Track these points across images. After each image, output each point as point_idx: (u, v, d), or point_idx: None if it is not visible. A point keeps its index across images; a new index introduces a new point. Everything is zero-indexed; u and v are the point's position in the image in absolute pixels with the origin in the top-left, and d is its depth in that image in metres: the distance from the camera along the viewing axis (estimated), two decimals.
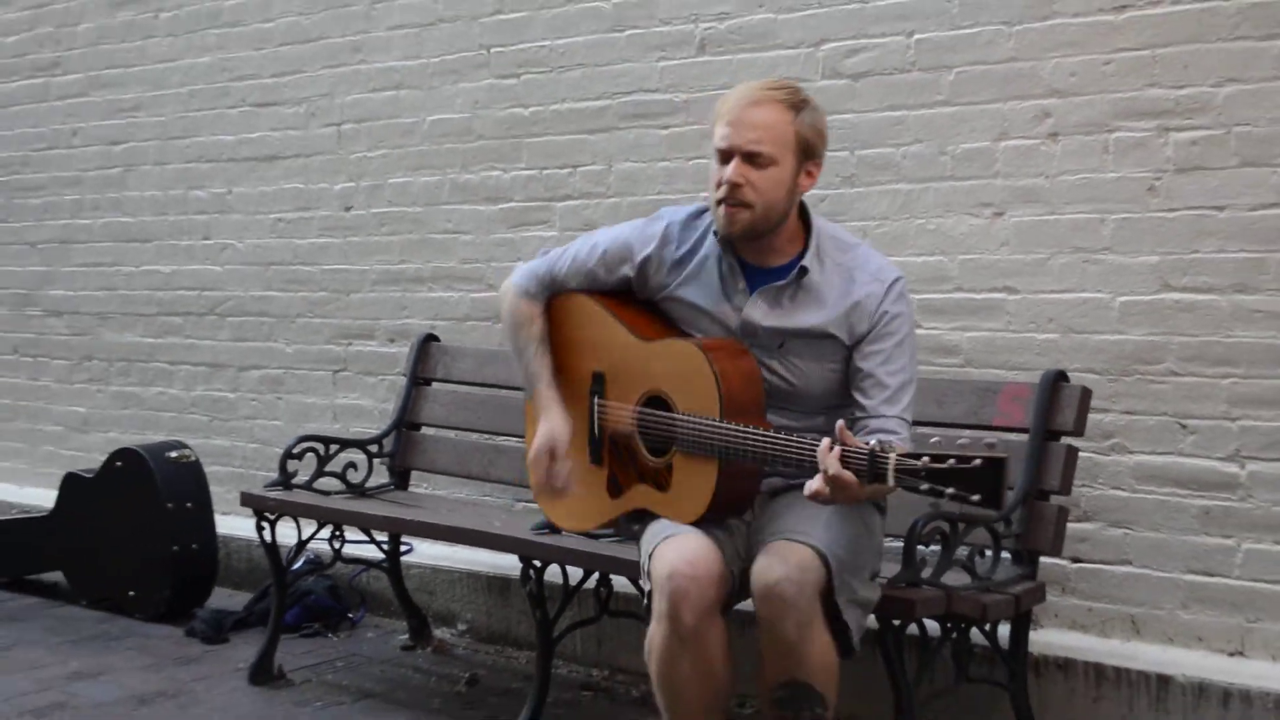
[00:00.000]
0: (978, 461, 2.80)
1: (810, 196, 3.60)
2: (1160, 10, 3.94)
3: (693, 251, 3.55)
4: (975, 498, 2.81)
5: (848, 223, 4.33)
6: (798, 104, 3.40)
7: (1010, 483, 3.02)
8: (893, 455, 2.89)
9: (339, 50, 5.82)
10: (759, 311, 3.45)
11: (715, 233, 3.48)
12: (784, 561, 3.15)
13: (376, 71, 5.71)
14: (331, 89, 5.86)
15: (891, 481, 2.89)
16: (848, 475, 2.94)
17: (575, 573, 4.24)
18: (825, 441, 3.00)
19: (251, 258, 6.19)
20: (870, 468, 2.91)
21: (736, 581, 3.33)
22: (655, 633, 3.27)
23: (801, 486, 3.17)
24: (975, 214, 4.28)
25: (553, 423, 3.62)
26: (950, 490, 2.83)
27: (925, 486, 2.86)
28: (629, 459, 3.59)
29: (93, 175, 6.79)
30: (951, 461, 2.82)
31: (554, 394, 3.68)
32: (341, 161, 5.85)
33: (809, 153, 3.41)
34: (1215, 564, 3.92)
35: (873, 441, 2.97)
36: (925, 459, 2.85)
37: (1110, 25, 4.02)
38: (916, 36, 4.36)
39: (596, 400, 3.65)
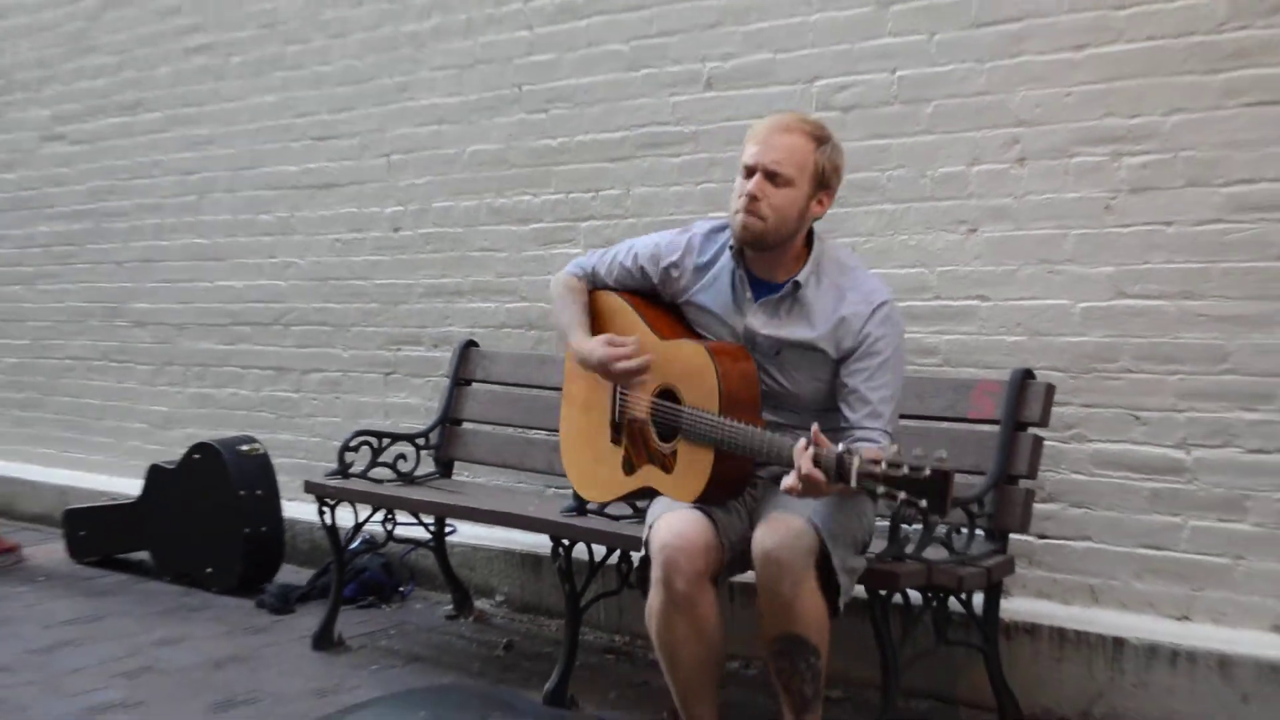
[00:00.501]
0: (928, 472, 2.83)
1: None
2: (1115, 48, 3.94)
3: (711, 262, 3.58)
4: (923, 503, 2.85)
5: (838, 236, 4.30)
6: (821, 139, 3.44)
7: (947, 504, 2.96)
8: (856, 459, 2.91)
9: (388, 90, 5.82)
10: (759, 320, 3.48)
11: (731, 246, 3.50)
12: (780, 530, 3.21)
13: (422, 108, 5.71)
14: (382, 124, 5.86)
15: (854, 483, 2.90)
16: (817, 473, 2.96)
17: (599, 550, 4.26)
18: (801, 442, 3.02)
19: (312, 274, 6.19)
20: (836, 469, 2.93)
21: (731, 554, 3.37)
22: (653, 598, 3.34)
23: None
24: (951, 230, 4.27)
25: (593, 344, 3.60)
26: (903, 495, 2.85)
27: (881, 489, 2.88)
28: (642, 442, 3.62)
29: (171, 202, 6.80)
30: (906, 470, 2.85)
31: (586, 332, 3.69)
32: (391, 188, 5.85)
33: (823, 183, 3.44)
34: (1164, 539, 3.93)
35: (841, 447, 2.98)
36: (884, 465, 2.87)
37: (1070, 62, 4.02)
38: (899, 73, 4.36)
39: (618, 388, 3.66)
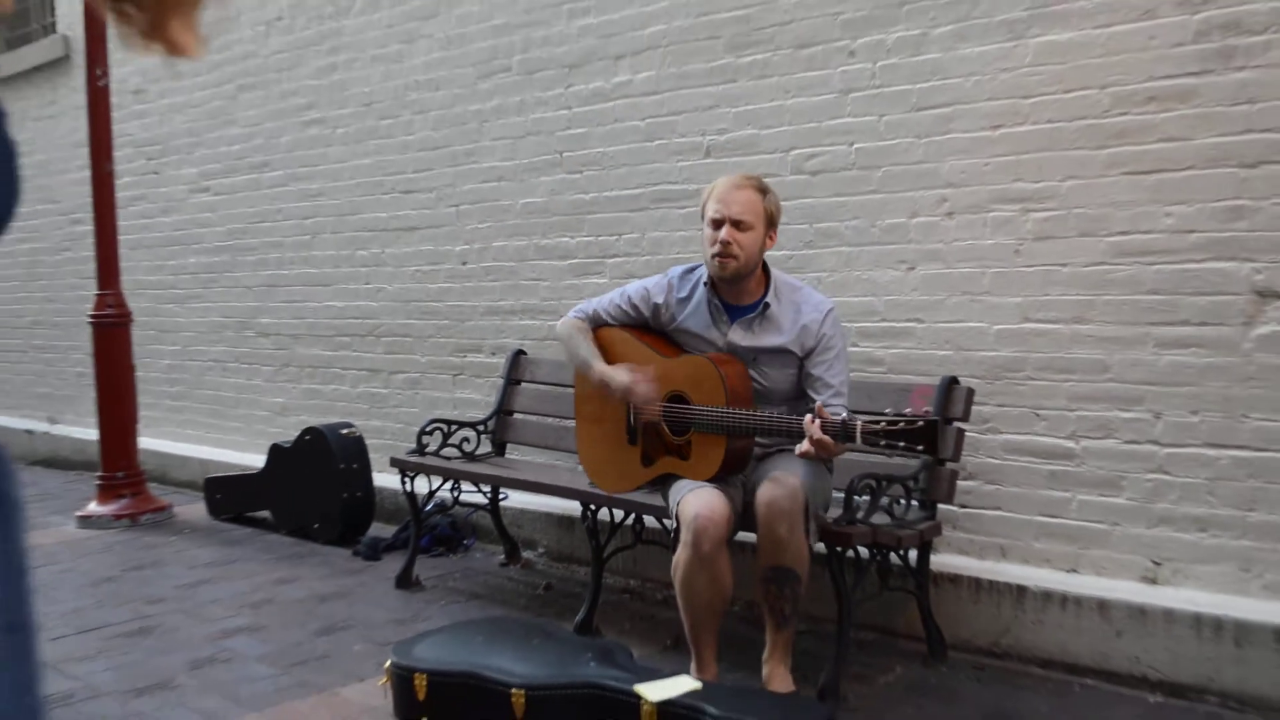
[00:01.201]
0: (920, 422, 2.97)
1: (780, 256, 3.74)
2: (1023, 129, 3.94)
3: (689, 296, 3.68)
4: (920, 448, 2.97)
5: (807, 274, 4.36)
6: (765, 190, 3.58)
7: (938, 445, 3.11)
8: (858, 423, 3.04)
9: (458, 154, 5.84)
10: (738, 335, 3.58)
11: (705, 282, 3.61)
12: (781, 486, 3.31)
13: (484, 169, 5.72)
14: (453, 181, 5.87)
15: (859, 440, 3.05)
16: (827, 438, 3.08)
17: (618, 513, 4.26)
18: (808, 417, 3.14)
19: (397, 296, 6.20)
20: (843, 432, 3.07)
21: (737, 520, 3.44)
22: (681, 556, 3.37)
23: (780, 452, 3.45)
24: (895, 268, 4.27)
25: (621, 374, 3.59)
26: (902, 444, 2.98)
27: (884, 442, 3.01)
28: (656, 439, 3.64)
29: (290, 240, 6.84)
30: (901, 423, 2.98)
31: (604, 363, 3.67)
32: (459, 231, 5.86)
33: (772, 222, 3.60)
34: (1057, 509, 3.93)
35: (843, 414, 3.15)
36: (883, 423, 3.00)
37: (989, 139, 4.02)
38: (855, 146, 4.35)
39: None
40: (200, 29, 0.99)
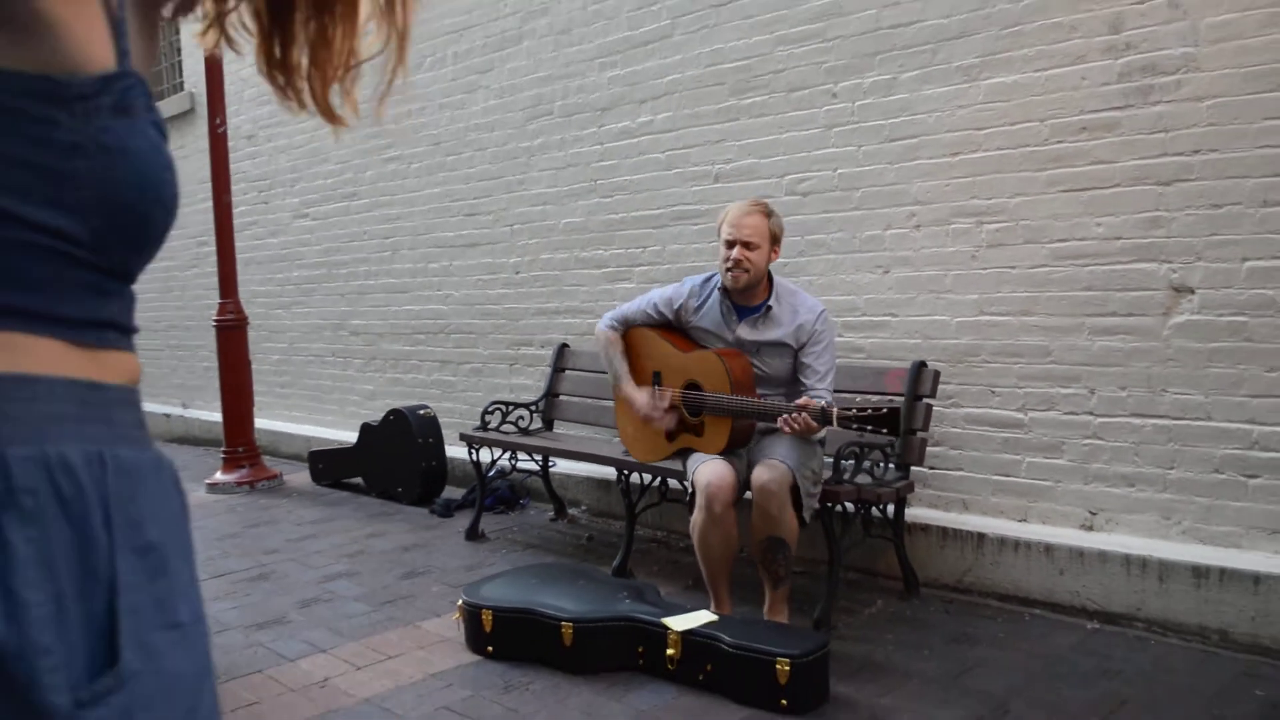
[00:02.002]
0: (884, 410, 3.06)
1: (778, 264, 3.70)
2: (977, 155, 3.93)
3: (706, 299, 3.69)
4: (885, 431, 3.09)
5: (801, 278, 4.35)
6: (769, 213, 3.59)
7: (900, 428, 3.22)
8: (835, 410, 3.13)
9: (511, 183, 5.85)
10: (745, 331, 3.60)
11: (719, 288, 3.63)
12: (770, 471, 3.32)
13: (532, 195, 5.73)
14: (507, 205, 5.88)
15: (835, 424, 3.14)
16: (810, 421, 3.15)
17: (647, 477, 4.26)
18: (795, 404, 3.21)
19: (464, 301, 6.22)
20: (822, 417, 3.13)
21: (741, 486, 3.45)
22: (696, 517, 3.42)
23: (778, 432, 3.45)
24: (873, 272, 4.26)
25: (641, 396, 3.70)
26: (870, 427, 3.09)
27: (855, 426, 3.12)
28: (678, 420, 3.66)
29: (374, 255, 6.86)
30: (870, 411, 3.07)
31: (631, 382, 3.77)
32: (513, 246, 5.87)
33: (776, 240, 3.61)
34: (1009, 469, 3.92)
35: (822, 402, 3.21)
36: (854, 410, 3.10)
37: (949, 164, 4.01)
38: (838, 171, 4.34)
39: (657, 387, 3.73)
40: (354, 103, 1.02)
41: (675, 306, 3.71)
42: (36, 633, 0.70)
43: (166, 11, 0.92)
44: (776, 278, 3.65)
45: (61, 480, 0.74)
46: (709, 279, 3.70)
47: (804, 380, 3.48)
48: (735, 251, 3.48)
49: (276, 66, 0.98)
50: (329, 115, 1.01)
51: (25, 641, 0.70)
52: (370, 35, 0.97)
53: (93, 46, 0.74)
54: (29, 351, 0.75)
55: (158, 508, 0.81)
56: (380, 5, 0.94)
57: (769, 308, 3.55)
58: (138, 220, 0.79)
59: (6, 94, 0.71)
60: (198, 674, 0.82)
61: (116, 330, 0.81)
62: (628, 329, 3.82)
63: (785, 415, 3.19)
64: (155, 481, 0.82)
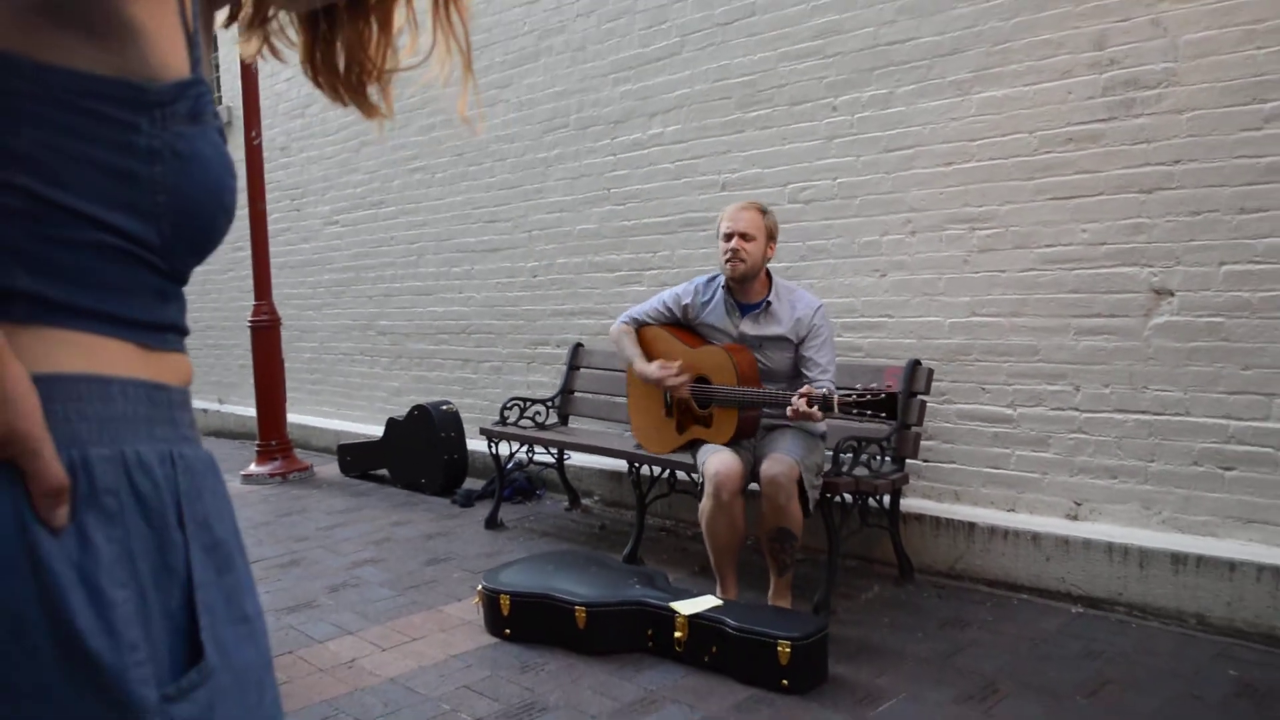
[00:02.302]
0: (883, 394, 3.03)
1: (780, 266, 3.75)
2: (969, 165, 3.93)
3: (711, 298, 3.70)
4: (884, 414, 3.04)
5: (803, 281, 4.35)
6: (765, 210, 3.63)
7: (898, 412, 3.22)
8: (835, 397, 3.11)
9: (529, 192, 5.85)
10: (747, 326, 3.61)
11: (723, 286, 3.63)
12: (778, 465, 3.32)
13: (549, 203, 5.74)
14: (525, 212, 5.89)
15: (837, 410, 3.10)
16: (814, 409, 3.13)
17: (657, 469, 4.27)
18: (798, 393, 3.18)
19: (484, 303, 6.23)
20: (824, 403, 3.11)
21: (748, 476, 3.45)
22: (705, 505, 3.41)
23: (784, 427, 3.40)
24: (870, 276, 4.26)
25: (652, 366, 3.68)
26: (869, 412, 3.05)
27: (855, 411, 3.07)
28: (687, 412, 3.68)
29: (401, 260, 6.88)
30: (869, 395, 3.04)
31: (644, 358, 3.75)
32: (531, 251, 5.88)
33: (772, 236, 3.63)
34: (999, 462, 3.92)
35: (824, 390, 3.19)
36: (854, 395, 3.07)
37: (943, 173, 4.01)
38: (838, 180, 4.34)
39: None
40: (389, 99, 1.02)
41: (683, 304, 3.73)
42: (123, 628, 0.69)
43: (221, 20, 0.93)
44: (776, 277, 3.66)
45: (140, 480, 0.73)
46: (713, 279, 3.72)
47: (806, 373, 3.49)
48: (733, 242, 3.51)
49: (318, 68, 0.99)
50: (367, 110, 1.02)
51: (114, 639, 0.69)
52: (409, 49, 0.98)
53: (172, 54, 0.73)
54: (104, 353, 0.74)
55: (220, 505, 0.81)
56: (442, 24, 0.94)
57: (769, 304, 3.57)
58: (204, 226, 0.78)
59: (91, 98, 0.69)
60: (262, 665, 0.82)
61: (176, 333, 0.80)
62: (640, 327, 3.84)
63: (792, 402, 3.17)
64: (214, 479, 0.81)
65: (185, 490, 0.76)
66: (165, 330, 0.78)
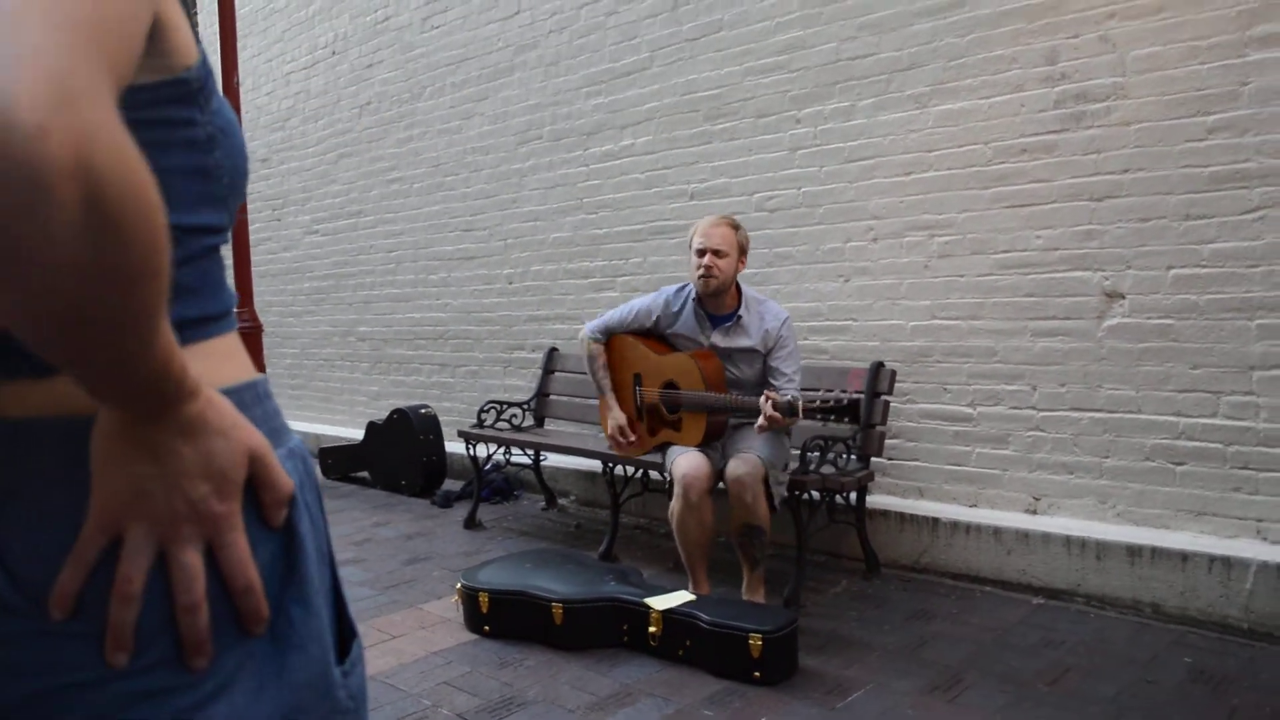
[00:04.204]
0: (845, 401, 3.03)
1: (748, 273, 3.72)
2: (928, 174, 3.93)
3: (681, 308, 3.65)
4: (846, 420, 3.04)
5: (769, 287, 4.34)
6: (737, 225, 3.56)
7: (860, 417, 3.15)
8: (800, 402, 3.07)
9: (505, 201, 5.81)
10: (717, 337, 3.56)
11: (693, 298, 3.58)
12: (744, 464, 3.29)
13: (524, 212, 5.70)
14: (500, 221, 5.84)
15: (801, 415, 3.07)
16: (777, 415, 3.07)
17: (631, 469, 4.24)
18: (763, 397, 3.14)
19: (461, 309, 6.17)
20: (789, 408, 3.07)
21: (716, 477, 3.41)
22: (675, 505, 3.38)
23: (750, 425, 3.35)
24: (834, 281, 4.25)
25: (617, 416, 3.71)
26: (833, 417, 3.04)
27: (819, 416, 3.06)
28: (657, 416, 3.65)
29: (379, 269, 6.80)
30: (831, 402, 3.03)
31: (614, 398, 3.77)
32: (506, 259, 5.83)
33: (743, 250, 3.57)
34: (960, 460, 3.92)
35: (789, 395, 3.14)
36: (817, 401, 3.05)
37: (902, 183, 4.01)
38: (803, 189, 4.33)
39: (638, 388, 3.68)
40: None
41: (654, 316, 3.67)
42: (319, 608, 0.72)
43: None
44: (745, 288, 3.62)
45: (303, 470, 0.75)
46: (682, 289, 3.66)
47: (773, 382, 3.45)
48: (706, 259, 3.45)
49: None
50: None
51: (318, 620, 0.71)
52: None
53: (188, 36, 0.68)
54: (239, 355, 0.74)
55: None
56: None
57: (739, 317, 3.52)
58: (242, 191, 0.76)
59: (151, 108, 0.64)
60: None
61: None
62: (609, 337, 3.79)
63: (761, 416, 3.14)
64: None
65: (308, 476, 0.77)
66: (231, 311, 0.77)
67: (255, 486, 0.66)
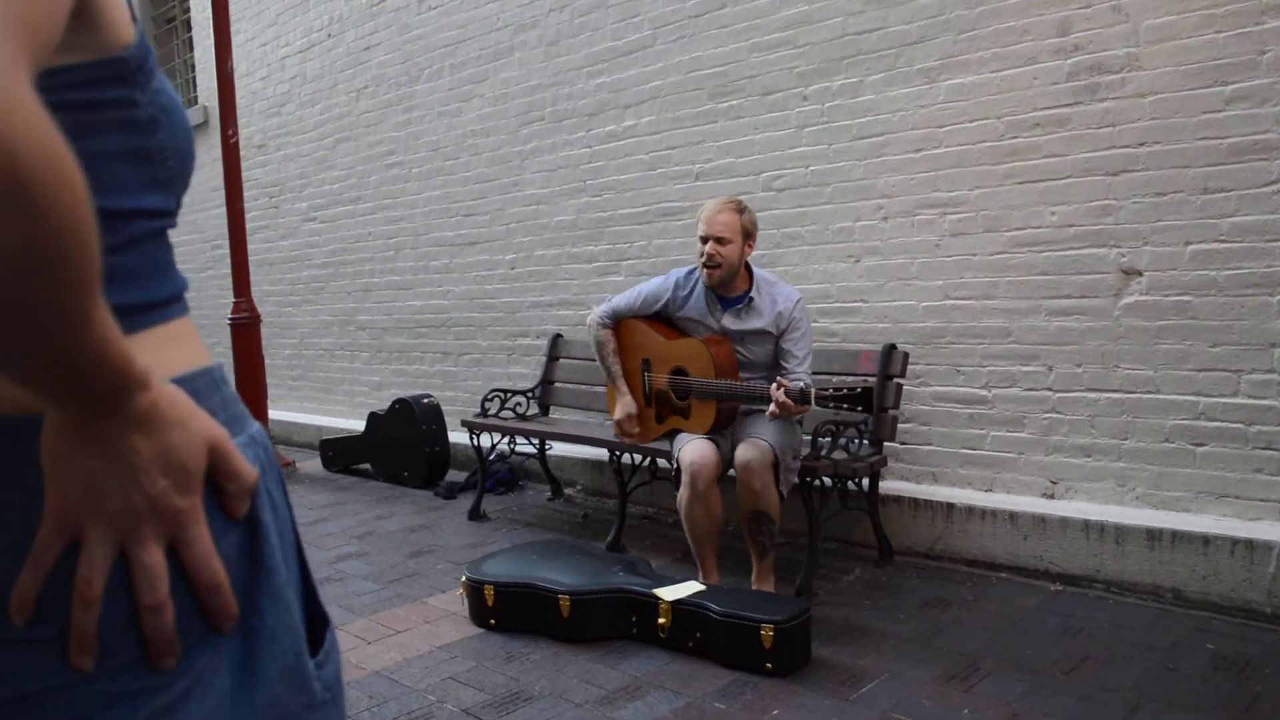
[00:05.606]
0: (859, 390, 3.01)
1: (756, 254, 3.68)
2: (939, 151, 3.90)
3: (691, 291, 3.63)
4: (859, 409, 3.03)
5: (778, 268, 4.32)
6: (742, 209, 3.51)
7: (873, 404, 3.15)
8: (813, 390, 3.07)
9: (506, 185, 5.79)
10: (729, 320, 3.54)
11: (702, 280, 3.55)
12: (753, 449, 3.28)
13: (526, 195, 5.68)
14: (502, 206, 5.83)
15: (813, 404, 3.06)
16: (789, 402, 3.07)
17: (638, 457, 4.25)
18: (774, 385, 3.13)
19: (464, 296, 6.16)
20: (801, 396, 3.06)
21: (724, 464, 3.42)
22: (682, 494, 3.39)
23: (760, 412, 3.35)
24: (844, 261, 4.23)
25: (626, 404, 3.70)
26: (845, 405, 3.03)
27: (831, 405, 3.04)
28: (666, 403, 3.66)
29: (379, 255, 6.80)
30: (845, 390, 3.02)
31: (625, 385, 3.75)
32: (509, 244, 5.82)
33: (749, 235, 3.53)
34: (975, 443, 3.90)
35: (802, 383, 3.14)
36: (830, 390, 3.05)
37: (913, 160, 3.98)
38: (811, 168, 4.30)
39: (646, 374, 3.68)
40: None
41: (663, 300, 3.66)
42: (289, 599, 0.71)
43: None
44: (755, 269, 3.60)
45: (265, 457, 0.73)
46: (692, 271, 3.65)
47: (784, 364, 3.45)
48: (708, 247, 3.44)
49: None
50: None
51: (288, 612, 0.71)
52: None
53: (124, 14, 0.66)
54: (190, 339, 0.72)
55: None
56: None
57: (751, 299, 3.51)
58: (190, 170, 0.74)
59: (85, 88, 0.62)
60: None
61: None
62: (618, 321, 3.77)
63: (772, 404, 3.13)
64: None
65: (269, 463, 0.76)
66: (182, 296, 0.75)
67: (216, 477, 0.64)
